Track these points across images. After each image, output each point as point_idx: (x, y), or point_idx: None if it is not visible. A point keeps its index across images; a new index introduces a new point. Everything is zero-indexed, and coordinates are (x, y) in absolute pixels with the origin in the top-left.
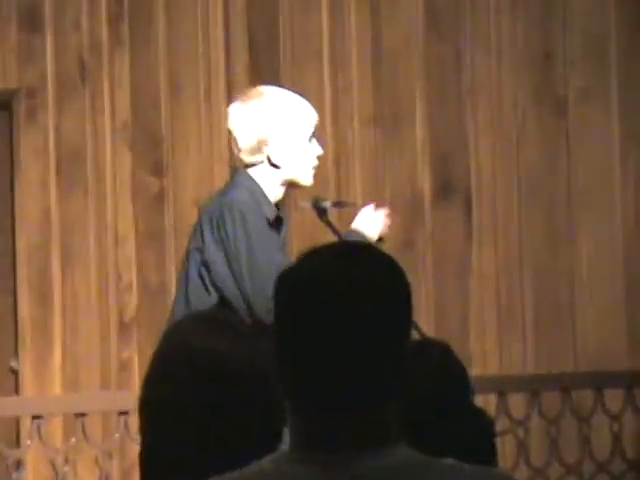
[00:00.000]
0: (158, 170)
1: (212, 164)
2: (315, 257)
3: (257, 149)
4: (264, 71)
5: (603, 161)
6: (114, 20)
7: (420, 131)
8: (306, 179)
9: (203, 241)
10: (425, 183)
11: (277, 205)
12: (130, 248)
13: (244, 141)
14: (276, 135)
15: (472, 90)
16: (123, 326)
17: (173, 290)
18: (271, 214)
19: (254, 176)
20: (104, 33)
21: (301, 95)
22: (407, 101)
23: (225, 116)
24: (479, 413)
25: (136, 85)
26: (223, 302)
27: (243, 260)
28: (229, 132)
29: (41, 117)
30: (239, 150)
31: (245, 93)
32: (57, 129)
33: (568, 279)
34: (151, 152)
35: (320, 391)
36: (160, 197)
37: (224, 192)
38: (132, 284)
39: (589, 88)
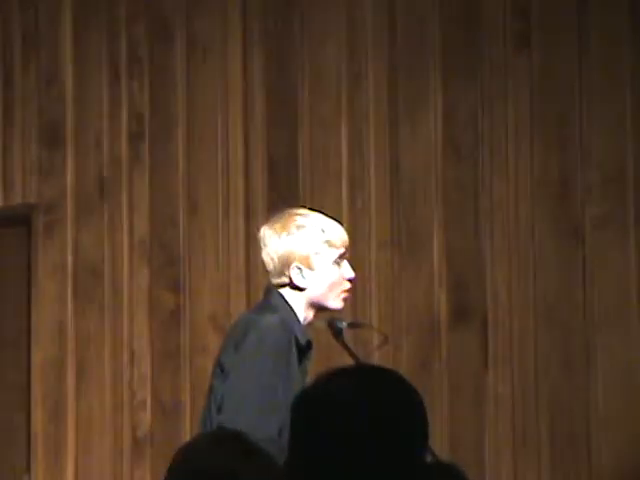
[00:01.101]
0: (175, 287)
1: (229, 282)
2: (332, 380)
3: (281, 271)
4: (283, 191)
5: (620, 289)
6: (134, 138)
7: (437, 254)
8: (334, 303)
9: (225, 356)
10: (441, 306)
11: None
12: (145, 365)
13: (269, 264)
14: (297, 258)
15: (489, 215)
16: (136, 444)
17: (188, 408)
18: (302, 338)
19: (286, 296)
20: (124, 151)
21: (332, 218)
22: (424, 224)
23: (243, 235)
24: None
25: (155, 203)
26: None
27: (250, 384)
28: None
29: (59, 233)
30: (268, 272)
31: (276, 216)
32: (75, 245)
33: (584, 408)
34: (168, 269)
35: None
36: (176, 314)
37: (256, 311)
38: (146, 402)
39: (606, 214)
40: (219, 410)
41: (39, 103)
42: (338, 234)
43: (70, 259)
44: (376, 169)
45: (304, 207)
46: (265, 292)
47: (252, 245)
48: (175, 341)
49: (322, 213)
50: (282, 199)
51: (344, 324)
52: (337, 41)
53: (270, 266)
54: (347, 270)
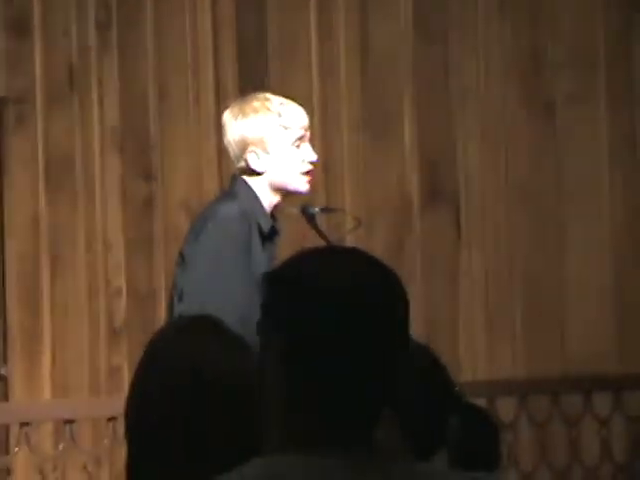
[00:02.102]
0: (147, 175)
1: (201, 168)
2: (302, 260)
3: (239, 156)
4: (252, 75)
5: (591, 164)
6: (102, 26)
7: (408, 136)
8: (296, 185)
9: (186, 246)
10: (414, 188)
11: (272, 214)
12: (119, 254)
13: (230, 148)
14: (255, 140)
15: (460, 95)
16: (112, 332)
17: (163, 295)
18: (266, 225)
19: (250, 183)
20: (92, 39)
21: (291, 100)
22: (395, 106)
23: (213, 120)
24: (483, 411)
25: (125, 91)
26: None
27: (201, 276)
28: None
29: (30, 124)
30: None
31: (237, 100)
32: (46, 135)
33: (557, 283)
34: (140, 157)
35: (316, 399)
36: (149, 202)
37: (218, 200)
38: (122, 290)
39: (577, 92)
40: (180, 299)
41: None
42: (295, 116)
43: (41, 150)
44: (346, 52)
45: (269, 91)
46: (230, 179)
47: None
48: (149, 228)
49: (286, 97)
50: (252, 82)
51: (317, 209)
52: None
53: (230, 151)
54: (307, 152)
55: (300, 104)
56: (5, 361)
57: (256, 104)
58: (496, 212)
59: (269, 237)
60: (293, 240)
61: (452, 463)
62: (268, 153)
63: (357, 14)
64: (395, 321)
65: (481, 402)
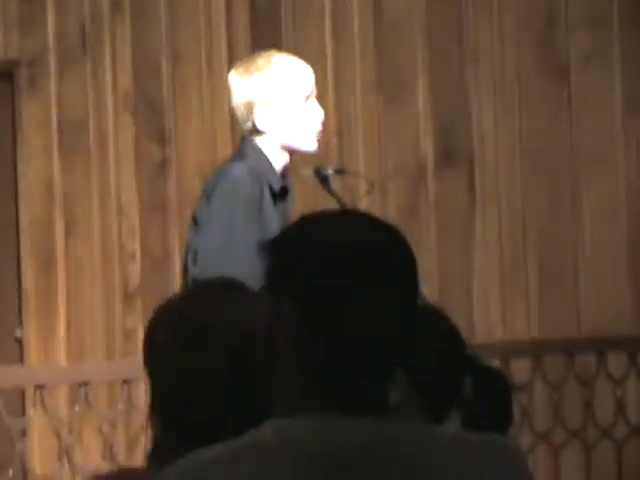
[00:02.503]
0: (161, 139)
1: (215, 132)
2: (314, 221)
3: (246, 117)
4: (265, 39)
5: (605, 126)
6: None
7: (422, 99)
8: (304, 144)
9: (198, 208)
10: (428, 151)
11: (283, 174)
12: (134, 218)
13: (236, 109)
14: (260, 100)
15: (474, 57)
16: (127, 296)
17: (177, 259)
18: (276, 184)
19: (259, 144)
20: (105, 2)
21: (297, 58)
22: (409, 69)
23: (227, 84)
24: (495, 371)
25: (138, 54)
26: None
27: (218, 233)
28: None
29: (43, 87)
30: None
31: (242, 59)
32: (59, 99)
33: (571, 245)
34: (153, 121)
35: (322, 361)
36: (163, 166)
37: (227, 161)
38: (135, 254)
39: (591, 54)
40: (194, 262)
41: None
42: (301, 73)
43: (54, 114)
44: (359, 13)
45: (281, 52)
46: (239, 141)
47: None
48: (163, 193)
49: (300, 59)
50: (265, 45)
51: (330, 171)
52: None
53: (238, 112)
54: (315, 110)
55: (314, 66)
56: (21, 324)
57: (260, 62)
58: (510, 175)
59: (280, 196)
60: (306, 202)
61: (465, 424)
62: (274, 112)
63: None
64: (405, 278)
65: (495, 364)
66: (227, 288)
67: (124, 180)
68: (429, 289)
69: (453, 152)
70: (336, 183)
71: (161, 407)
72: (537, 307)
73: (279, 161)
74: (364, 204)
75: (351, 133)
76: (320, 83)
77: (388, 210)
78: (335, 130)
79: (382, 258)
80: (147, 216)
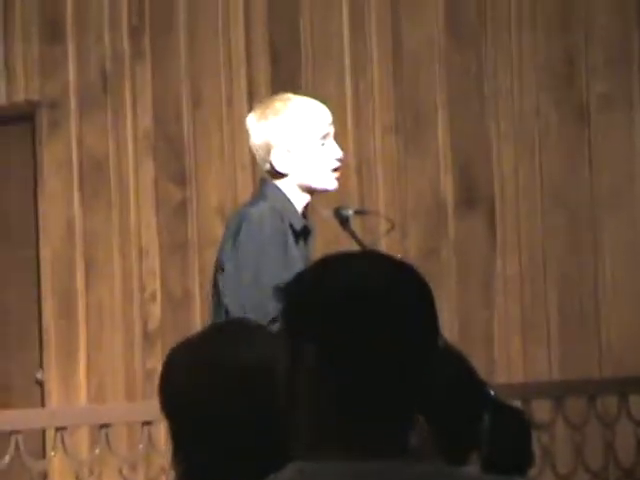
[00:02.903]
0: (181, 180)
1: (235, 173)
2: (333, 263)
3: (264, 159)
4: (285, 79)
5: (626, 168)
6: (135, 31)
7: (442, 139)
8: (323, 184)
9: (222, 253)
10: (448, 191)
11: (303, 214)
12: (154, 258)
13: (255, 151)
14: (278, 142)
15: (494, 97)
16: (147, 337)
17: (197, 299)
18: (298, 224)
19: (279, 185)
20: (126, 44)
21: (313, 100)
22: (428, 108)
23: (245, 126)
24: (514, 409)
25: (158, 95)
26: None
27: (249, 272)
28: None
29: (64, 128)
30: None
31: (260, 102)
32: (80, 140)
33: (592, 286)
34: (174, 162)
35: (342, 403)
36: (183, 207)
37: (249, 203)
38: (156, 294)
39: (611, 94)
40: (223, 304)
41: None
42: (318, 113)
43: (75, 155)
44: (378, 52)
45: (302, 94)
46: (259, 183)
47: None
48: (183, 234)
49: (319, 99)
50: (285, 86)
51: (350, 212)
52: None
53: (256, 155)
54: (333, 149)
55: (333, 106)
56: (41, 366)
57: (278, 105)
58: (530, 215)
59: (302, 236)
60: (327, 243)
61: (485, 465)
62: (292, 153)
63: (390, 13)
64: (422, 321)
65: (516, 404)
66: (242, 328)
67: (144, 221)
68: (449, 330)
69: (473, 192)
70: (356, 224)
71: (182, 449)
72: (558, 348)
73: (300, 202)
74: (384, 244)
75: (371, 173)
76: (339, 123)
77: (408, 251)
78: (355, 169)
79: (400, 300)
80: (167, 257)
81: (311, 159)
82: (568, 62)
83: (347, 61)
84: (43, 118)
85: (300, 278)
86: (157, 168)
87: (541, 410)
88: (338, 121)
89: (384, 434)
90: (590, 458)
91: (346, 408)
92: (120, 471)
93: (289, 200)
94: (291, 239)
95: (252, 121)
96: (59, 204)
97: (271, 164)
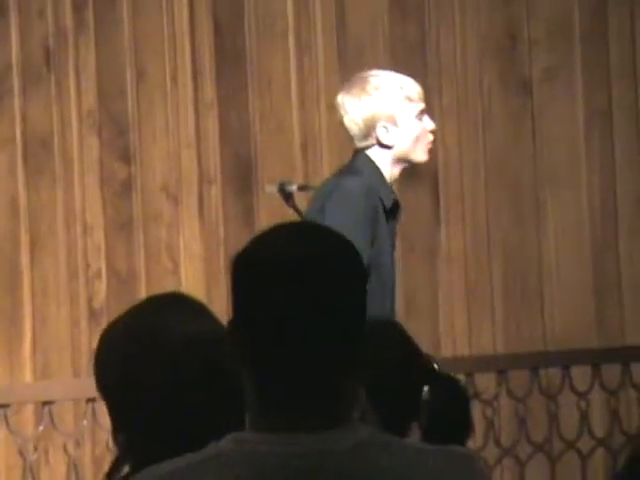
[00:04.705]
0: (126, 157)
1: (179, 150)
2: (271, 236)
3: (366, 134)
4: (230, 55)
5: (568, 140)
6: (78, 6)
7: None
8: (421, 155)
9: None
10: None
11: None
12: (99, 236)
13: (353, 129)
14: (382, 117)
15: (437, 72)
16: (93, 314)
17: (143, 277)
18: (388, 199)
19: (373, 158)
20: (68, 19)
21: (406, 76)
22: None
23: (192, 102)
24: (453, 380)
25: (102, 71)
26: None
27: None
28: (340, 122)
29: (7, 105)
30: (352, 137)
31: (350, 81)
32: (23, 116)
33: (536, 259)
34: (118, 138)
35: (278, 374)
36: (128, 184)
37: (340, 174)
38: (101, 271)
39: (553, 67)
40: None
41: None
42: (416, 89)
43: (19, 131)
44: (323, 28)
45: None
46: (352, 155)
47: (201, 111)
48: (128, 210)
49: (265, 75)
50: (229, 63)
51: (294, 187)
52: None
53: (355, 130)
54: (428, 122)
55: (278, 81)
56: None
57: (377, 81)
58: (474, 188)
59: (392, 212)
60: (275, 216)
61: (424, 435)
62: (398, 127)
63: None
64: (356, 290)
65: (460, 378)
66: (176, 300)
67: (89, 198)
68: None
69: (416, 167)
70: (299, 199)
71: (120, 426)
72: (502, 321)
73: (391, 174)
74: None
75: (316, 149)
76: (284, 99)
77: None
78: (300, 145)
79: (330, 270)
80: (112, 234)
81: (415, 132)
82: (510, 36)
83: (291, 37)
84: None
85: (243, 251)
86: (102, 145)
87: (485, 383)
88: (283, 97)
89: (324, 405)
90: (533, 430)
91: (284, 379)
92: (65, 448)
93: (382, 174)
94: (382, 217)
95: (350, 98)
96: (3, 181)
97: (376, 138)
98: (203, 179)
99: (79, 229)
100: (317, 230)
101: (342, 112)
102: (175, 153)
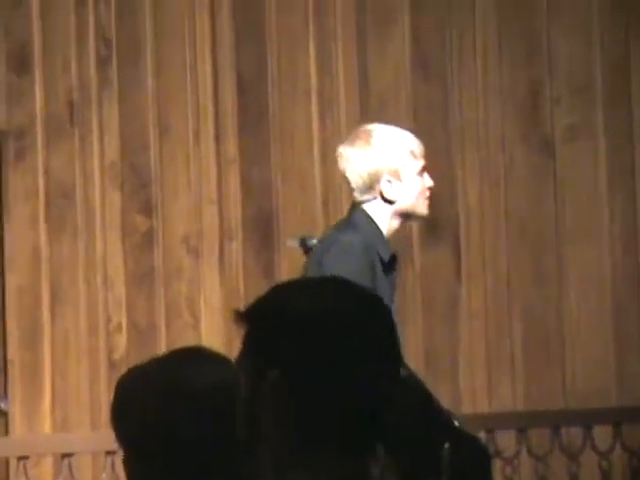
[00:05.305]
0: (147, 210)
1: (201, 205)
2: (286, 289)
3: (369, 187)
4: (252, 111)
5: (590, 199)
6: (102, 62)
7: None
8: (421, 210)
9: (309, 273)
10: (413, 223)
11: (389, 241)
12: (120, 289)
13: (356, 181)
14: (387, 171)
15: (460, 130)
16: (112, 367)
17: (163, 330)
18: (386, 254)
19: (370, 212)
20: (93, 75)
21: (409, 132)
22: None
23: (213, 156)
24: (473, 438)
25: (125, 126)
26: None
27: None
28: (342, 174)
29: (30, 158)
30: (352, 190)
31: (353, 133)
32: (46, 170)
33: (556, 317)
34: (140, 192)
35: (305, 428)
36: (149, 236)
37: (338, 228)
38: (122, 325)
39: (575, 126)
40: None
41: (6, 28)
42: (419, 145)
43: (42, 184)
44: (345, 86)
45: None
46: (350, 209)
47: (223, 166)
48: (149, 264)
49: (287, 131)
50: (252, 119)
51: (315, 242)
52: None
53: (358, 183)
54: (427, 179)
55: (300, 139)
56: (6, 395)
57: (382, 135)
58: (495, 246)
59: (390, 266)
60: (295, 271)
61: None
62: (402, 182)
63: (356, 48)
64: (383, 348)
65: (481, 435)
66: (196, 353)
67: (110, 250)
68: (415, 360)
69: (439, 223)
70: None
71: (136, 473)
72: (523, 379)
73: (390, 228)
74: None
75: (337, 203)
76: (307, 156)
77: None
78: (321, 199)
79: (359, 327)
80: (133, 287)
81: (416, 188)
82: (533, 94)
83: (314, 93)
84: (10, 147)
85: (261, 302)
86: (123, 198)
87: (506, 441)
88: (305, 153)
89: (346, 460)
90: None
91: (309, 433)
92: None
93: (380, 230)
94: (380, 271)
95: (354, 151)
96: (25, 233)
97: (379, 191)
98: (224, 234)
99: (100, 282)
100: (352, 286)
101: (345, 164)
102: (197, 208)
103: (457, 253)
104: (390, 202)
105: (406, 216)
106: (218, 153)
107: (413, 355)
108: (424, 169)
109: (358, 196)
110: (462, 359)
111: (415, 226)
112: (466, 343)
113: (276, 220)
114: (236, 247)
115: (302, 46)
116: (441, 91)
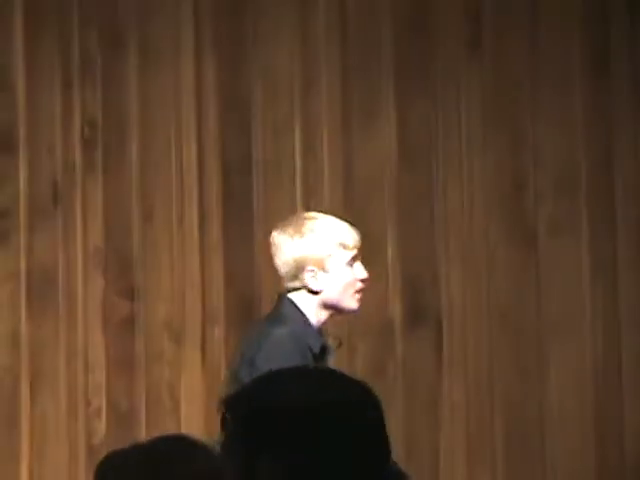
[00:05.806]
0: (129, 294)
1: (184, 289)
2: (282, 377)
3: (294, 276)
4: (237, 197)
5: (572, 292)
6: (87, 145)
7: (391, 258)
8: (349, 304)
9: (238, 365)
10: (396, 310)
11: (320, 331)
12: (100, 373)
13: (283, 268)
14: (315, 260)
15: (443, 219)
16: (91, 452)
17: (143, 415)
18: (316, 345)
19: (298, 302)
20: (77, 157)
21: (344, 222)
22: (378, 229)
23: (197, 242)
24: None
25: (108, 209)
26: None
27: None
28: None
29: (13, 240)
30: (281, 277)
31: (287, 220)
32: (29, 251)
33: (538, 412)
34: (123, 276)
35: None
36: (131, 321)
37: (267, 322)
38: (101, 410)
39: (559, 219)
40: None
41: None
42: (351, 236)
43: (23, 266)
44: (330, 174)
45: (254, 213)
46: (277, 299)
47: (207, 251)
48: (130, 349)
49: (271, 218)
50: (236, 205)
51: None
52: (290, 44)
53: (283, 270)
54: (360, 271)
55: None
56: None
57: (312, 224)
58: (477, 336)
59: (321, 356)
60: None
61: None
62: (327, 272)
63: (341, 136)
64: (375, 439)
65: None
66: (180, 442)
67: (91, 334)
68: (395, 449)
69: (421, 312)
70: None
71: None
72: (504, 471)
73: (319, 319)
74: (331, 362)
75: None
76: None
77: (356, 367)
78: None
79: (354, 418)
80: (114, 372)
81: (343, 279)
82: (516, 187)
83: (298, 180)
84: None
85: (248, 393)
86: (106, 282)
87: None
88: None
89: None
90: None
91: None
92: None
93: (308, 320)
94: (312, 362)
95: (284, 238)
96: (5, 315)
97: (303, 281)
98: (206, 319)
99: (80, 366)
100: (341, 377)
101: (274, 250)
102: (179, 293)
103: (439, 342)
104: (315, 292)
105: (334, 308)
106: (201, 239)
107: (394, 444)
108: (355, 259)
109: (286, 284)
110: (443, 451)
111: (398, 313)
112: (447, 434)
113: (259, 306)
114: (218, 332)
115: (287, 132)
116: (426, 180)
